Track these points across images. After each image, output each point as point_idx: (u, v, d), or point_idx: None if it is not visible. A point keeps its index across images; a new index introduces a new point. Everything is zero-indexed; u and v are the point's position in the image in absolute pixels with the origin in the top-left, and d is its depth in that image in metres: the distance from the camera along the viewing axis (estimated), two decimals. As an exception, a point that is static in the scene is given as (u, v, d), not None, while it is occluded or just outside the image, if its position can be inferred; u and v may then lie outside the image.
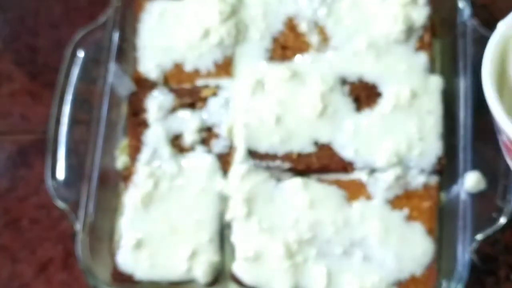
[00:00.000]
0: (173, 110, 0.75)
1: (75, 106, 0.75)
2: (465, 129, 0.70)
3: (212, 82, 0.76)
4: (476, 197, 0.67)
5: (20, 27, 0.90)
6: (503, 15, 0.64)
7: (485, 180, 0.68)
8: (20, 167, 0.83)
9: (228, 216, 0.71)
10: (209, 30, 0.76)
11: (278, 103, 0.73)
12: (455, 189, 0.69)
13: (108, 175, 0.74)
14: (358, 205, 0.70)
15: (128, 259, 0.70)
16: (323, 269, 0.67)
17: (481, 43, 0.71)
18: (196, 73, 0.77)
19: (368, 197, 0.70)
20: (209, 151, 0.73)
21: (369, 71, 0.74)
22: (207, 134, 0.74)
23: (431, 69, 0.74)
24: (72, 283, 0.77)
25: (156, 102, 0.75)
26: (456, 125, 0.70)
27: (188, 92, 0.76)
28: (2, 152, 0.84)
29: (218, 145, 0.74)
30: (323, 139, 0.72)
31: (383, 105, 0.72)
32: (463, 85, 0.71)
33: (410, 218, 0.69)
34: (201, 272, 0.69)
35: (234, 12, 0.77)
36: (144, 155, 0.74)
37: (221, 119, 0.74)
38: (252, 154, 0.72)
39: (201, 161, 0.73)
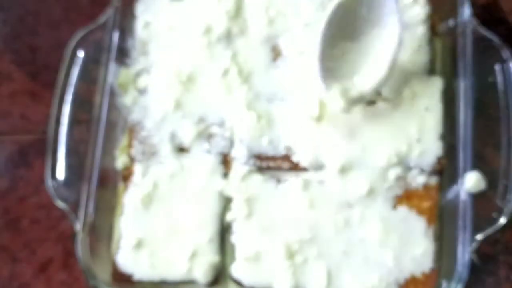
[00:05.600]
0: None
1: (75, 106, 0.75)
2: (465, 129, 0.70)
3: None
4: (476, 197, 0.67)
5: (20, 27, 0.90)
6: (503, 15, 0.65)
7: (485, 180, 0.68)
8: (20, 167, 0.83)
9: (229, 217, 0.71)
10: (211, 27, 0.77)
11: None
12: (455, 189, 0.69)
13: (108, 175, 0.74)
14: (358, 205, 0.70)
15: (128, 259, 0.70)
16: (323, 269, 0.67)
17: (481, 43, 0.71)
18: None
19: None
20: (209, 151, 0.74)
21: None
22: (207, 134, 0.74)
23: (431, 69, 0.74)
24: (72, 283, 0.77)
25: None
26: (456, 125, 0.70)
27: None
28: (2, 152, 0.84)
29: (218, 145, 0.74)
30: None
31: (383, 105, 0.72)
32: (463, 85, 0.71)
33: (410, 218, 0.69)
34: (201, 272, 0.69)
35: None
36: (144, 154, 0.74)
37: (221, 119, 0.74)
38: (253, 155, 0.72)
39: (201, 161, 0.73)
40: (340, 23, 0.67)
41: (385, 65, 0.68)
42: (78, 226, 0.70)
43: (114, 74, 0.76)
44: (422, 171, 0.70)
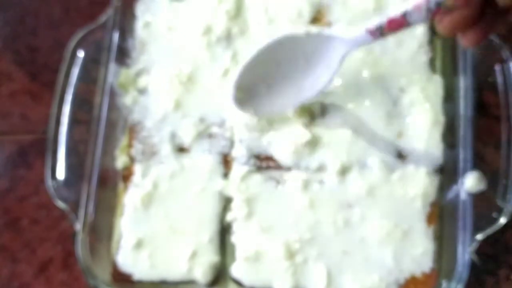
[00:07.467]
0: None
1: (75, 106, 0.75)
2: (465, 129, 0.70)
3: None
4: (476, 197, 0.67)
5: (20, 27, 0.90)
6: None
7: (485, 180, 0.68)
8: (20, 167, 0.83)
9: (229, 217, 0.71)
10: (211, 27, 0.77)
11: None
12: (455, 189, 0.69)
13: (108, 175, 0.74)
14: (358, 205, 0.70)
15: (128, 259, 0.70)
16: (323, 269, 0.67)
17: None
18: None
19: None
20: (209, 151, 0.73)
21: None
22: (207, 134, 0.74)
23: (432, 69, 0.74)
24: (72, 283, 0.77)
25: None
26: (456, 125, 0.70)
27: None
28: (2, 152, 0.84)
29: (218, 145, 0.74)
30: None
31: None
32: (463, 85, 0.71)
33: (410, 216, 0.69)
34: (201, 272, 0.69)
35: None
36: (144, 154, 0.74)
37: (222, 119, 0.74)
38: (253, 155, 0.72)
39: (201, 161, 0.73)
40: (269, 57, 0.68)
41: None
42: (78, 226, 0.70)
43: (114, 74, 0.76)
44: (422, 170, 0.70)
